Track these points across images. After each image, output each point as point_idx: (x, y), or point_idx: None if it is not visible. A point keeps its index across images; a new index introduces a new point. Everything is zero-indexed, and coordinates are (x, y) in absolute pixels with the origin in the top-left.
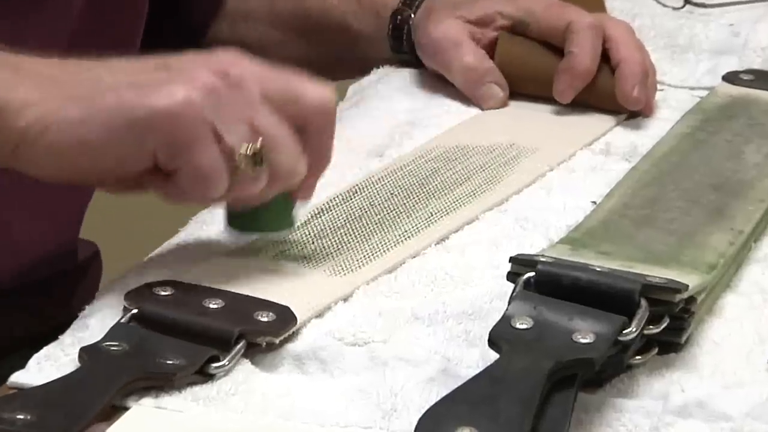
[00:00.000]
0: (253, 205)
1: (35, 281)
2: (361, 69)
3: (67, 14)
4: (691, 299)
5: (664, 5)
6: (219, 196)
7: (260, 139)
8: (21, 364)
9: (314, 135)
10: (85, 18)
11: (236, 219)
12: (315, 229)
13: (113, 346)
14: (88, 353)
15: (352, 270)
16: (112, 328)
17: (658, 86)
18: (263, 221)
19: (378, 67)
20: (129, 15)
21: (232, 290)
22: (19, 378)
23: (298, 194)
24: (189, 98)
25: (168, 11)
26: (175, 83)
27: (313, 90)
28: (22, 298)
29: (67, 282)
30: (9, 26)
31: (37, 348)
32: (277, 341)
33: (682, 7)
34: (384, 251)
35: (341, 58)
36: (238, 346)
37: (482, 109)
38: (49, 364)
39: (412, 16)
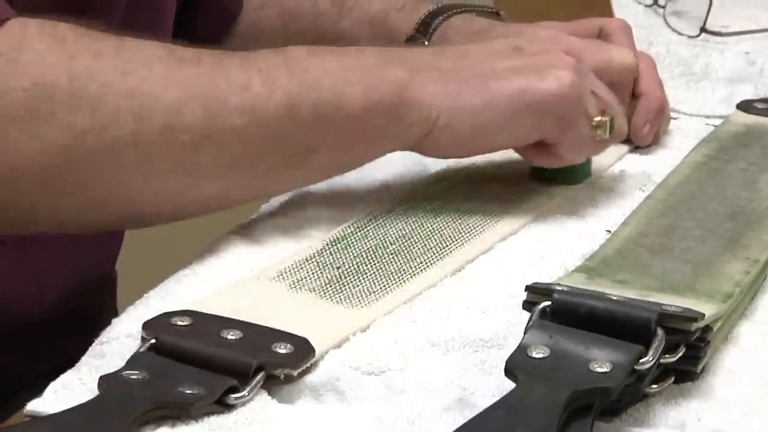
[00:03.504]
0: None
1: (62, 316)
2: None
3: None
4: (707, 328)
5: (680, 33)
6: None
7: (611, 108)
8: (39, 393)
9: (621, 91)
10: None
11: (543, 172)
12: (331, 258)
13: (133, 374)
14: (107, 381)
15: (369, 302)
16: (131, 357)
17: (673, 114)
18: (569, 174)
19: None
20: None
21: (250, 320)
22: (35, 406)
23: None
24: (574, 81)
25: (178, 30)
26: (556, 69)
27: (620, 54)
28: (48, 333)
29: (89, 314)
30: None
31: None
32: (295, 374)
33: (698, 35)
34: (401, 282)
35: None
36: (258, 377)
37: None
38: (66, 393)
39: (426, 43)
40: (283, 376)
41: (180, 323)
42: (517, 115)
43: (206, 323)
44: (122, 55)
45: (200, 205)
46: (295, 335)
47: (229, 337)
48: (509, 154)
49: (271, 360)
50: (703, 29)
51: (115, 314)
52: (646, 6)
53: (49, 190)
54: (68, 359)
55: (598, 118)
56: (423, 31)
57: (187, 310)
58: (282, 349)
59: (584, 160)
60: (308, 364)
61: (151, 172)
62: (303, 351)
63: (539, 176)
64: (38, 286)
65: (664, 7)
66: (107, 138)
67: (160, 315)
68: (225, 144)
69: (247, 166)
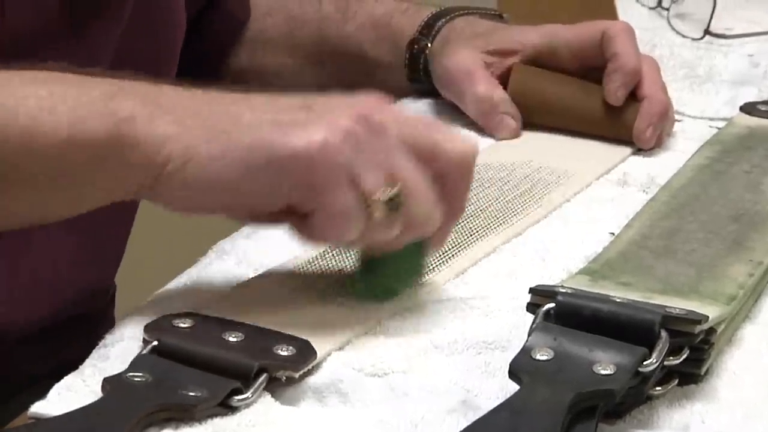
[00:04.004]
0: (384, 253)
1: (62, 324)
2: None
3: (109, 40)
4: (711, 330)
5: (684, 36)
6: (353, 240)
7: (398, 185)
8: (42, 395)
9: (451, 186)
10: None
11: (367, 269)
12: (334, 261)
13: (136, 376)
14: (111, 383)
15: (371, 304)
16: (135, 359)
17: (677, 117)
18: (393, 270)
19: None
20: (166, 39)
21: (252, 323)
22: (39, 408)
23: (431, 243)
24: (327, 141)
25: (188, 38)
26: (314, 125)
27: (454, 142)
28: (48, 340)
29: (88, 321)
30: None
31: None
32: (296, 376)
33: (702, 37)
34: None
35: (359, 86)
36: (261, 379)
37: (496, 140)
38: (70, 395)
39: (429, 45)
40: (285, 378)
41: (181, 325)
42: (254, 169)
43: (208, 325)
44: None
45: None
46: (297, 337)
47: (231, 339)
48: (512, 157)
49: (273, 362)
50: (706, 31)
51: (113, 322)
52: (650, 8)
53: None
54: (68, 365)
55: (373, 194)
56: (426, 33)
57: (189, 312)
58: (284, 351)
59: (348, 239)
60: (310, 366)
61: None
62: (305, 353)
63: (354, 288)
64: (39, 294)
65: (668, 9)
66: None
67: (162, 317)
68: None
69: None
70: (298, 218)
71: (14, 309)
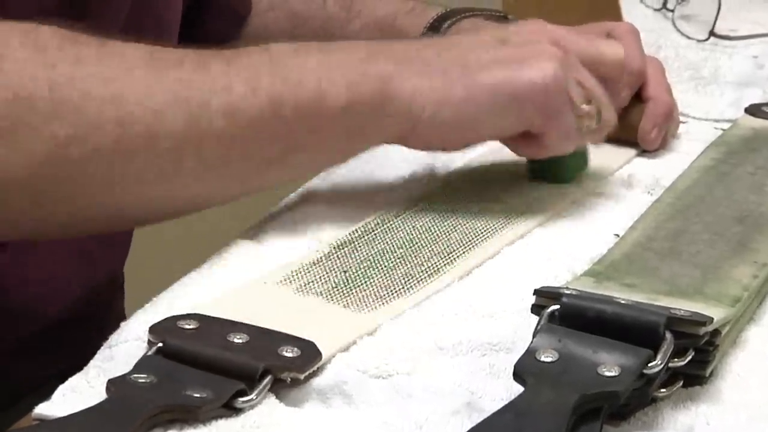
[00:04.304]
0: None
1: (70, 320)
2: None
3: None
4: (716, 332)
5: (689, 37)
6: (572, 149)
7: (595, 99)
8: (47, 396)
9: (612, 85)
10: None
11: (539, 169)
12: (338, 262)
13: (141, 378)
14: (115, 385)
15: (376, 306)
16: (139, 360)
17: (682, 118)
18: (565, 167)
19: None
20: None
21: (257, 324)
22: (44, 410)
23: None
24: (557, 72)
25: (188, 32)
26: (539, 59)
27: (609, 48)
28: (56, 336)
29: (96, 318)
30: None
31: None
32: (302, 377)
33: (707, 39)
34: (408, 287)
35: None
36: (265, 381)
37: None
38: (75, 396)
39: None
40: (289, 379)
41: (186, 326)
42: (500, 106)
43: (213, 327)
44: (104, 61)
45: (184, 207)
46: (302, 339)
47: (236, 340)
48: (516, 158)
49: (277, 363)
50: (711, 33)
51: (123, 318)
52: (655, 10)
53: (33, 200)
54: (76, 363)
55: (585, 108)
56: (431, 35)
57: (194, 314)
58: (288, 352)
59: (571, 150)
60: (315, 368)
61: (136, 178)
62: (310, 354)
63: (535, 175)
64: (46, 290)
65: (672, 11)
66: (90, 146)
67: (167, 318)
68: (208, 147)
69: (231, 167)
70: (529, 137)
71: (24, 304)
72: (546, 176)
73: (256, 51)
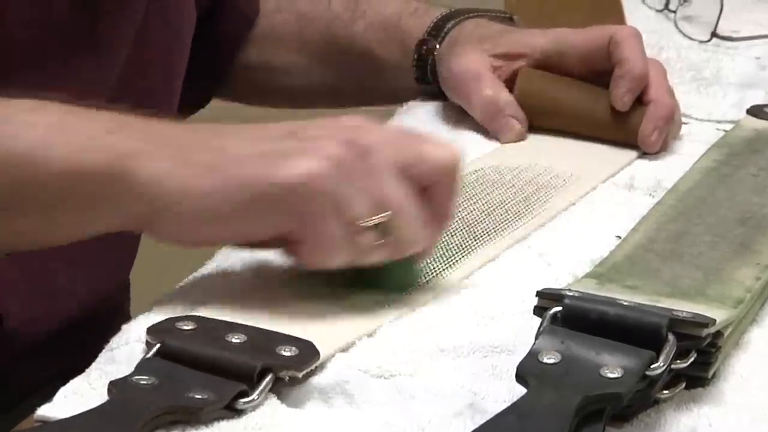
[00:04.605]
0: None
1: (77, 323)
2: (388, 98)
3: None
4: (718, 334)
5: (691, 38)
6: (343, 264)
7: (386, 213)
8: (49, 397)
9: (438, 194)
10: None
11: (359, 278)
12: None
13: (142, 379)
14: (117, 387)
15: (376, 309)
16: (140, 362)
17: (684, 119)
18: (386, 280)
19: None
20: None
21: (255, 325)
22: (46, 411)
23: (418, 255)
24: (314, 171)
25: (197, 35)
26: (302, 155)
27: (438, 151)
28: (63, 340)
29: (103, 320)
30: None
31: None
32: (299, 375)
33: (709, 40)
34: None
35: (367, 86)
36: (266, 381)
37: (501, 143)
38: (76, 398)
39: (437, 47)
40: (288, 378)
41: (185, 328)
42: (245, 204)
43: (211, 327)
44: None
45: None
46: (300, 338)
47: (234, 340)
48: (517, 160)
49: (275, 362)
50: (713, 34)
51: (129, 320)
52: (657, 11)
53: None
54: (80, 365)
55: (357, 221)
56: (435, 35)
57: (192, 315)
58: (287, 351)
59: (335, 264)
60: (313, 366)
61: None
62: (308, 353)
63: (352, 281)
64: (54, 294)
65: (674, 12)
66: None
67: (165, 320)
68: None
69: None
70: (289, 244)
71: (30, 310)
72: (365, 283)
73: (17, 103)
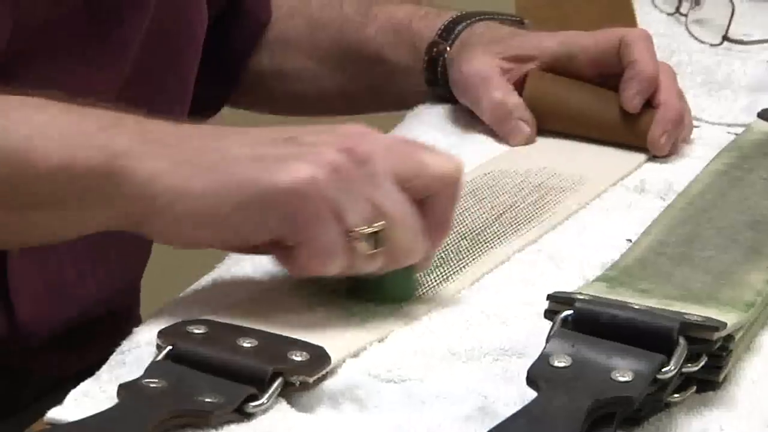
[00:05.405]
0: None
1: (88, 326)
2: (398, 103)
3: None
4: (729, 337)
5: (702, 42)
6: (337, 272)
7: (382, 222)
8: (59, 400)
9: (437, 205)
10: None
11: (356, 287)
12: None
13: (152, 383)
14: (126, 389)
15: (387, 313)
16: (150, 365)
17: (695, 123)
18: (382, 290)
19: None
20: (189, 37)
21: (266, 329)
22: (56, 414)
23: (416, 265)
24: (312, 177)
25: (209, 39)
26: (299, 160)
27: (438, 161)
28: (74, 342)
29: (114, 323)
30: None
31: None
32: (310, 381)
33: (720, 43)
34: (418, 295)
35: (378, 90)
36: (276, 384)
37: (510, 146)
38: (87, 401)
39: (448, 49)
40: (299, 383)
41: (195, 331)
42: (241, 206)
43: (222, 331)
44: None
45: None
46: (311, 343)
47: (245, 344)
48: (526, 163)
49: (287, 367)
50: (725, 37)
51: (139, 324)
52: (668, 14)
53: None
54: (92, 368)
55: (355, 229)
56: (445, 37)
57: (203, 319)
58: (298, 356)
59: (332, 272)
60: (324, 372)
61: None
62: (319, 358)
63: (350, 292)
64: (65, 293)
65: (686, 15)
66: None
67: (176, 324)
68: None
69: None
70: (283, 250)
71: (41, 309)
72: (362, 293)
73: (8, 98)
